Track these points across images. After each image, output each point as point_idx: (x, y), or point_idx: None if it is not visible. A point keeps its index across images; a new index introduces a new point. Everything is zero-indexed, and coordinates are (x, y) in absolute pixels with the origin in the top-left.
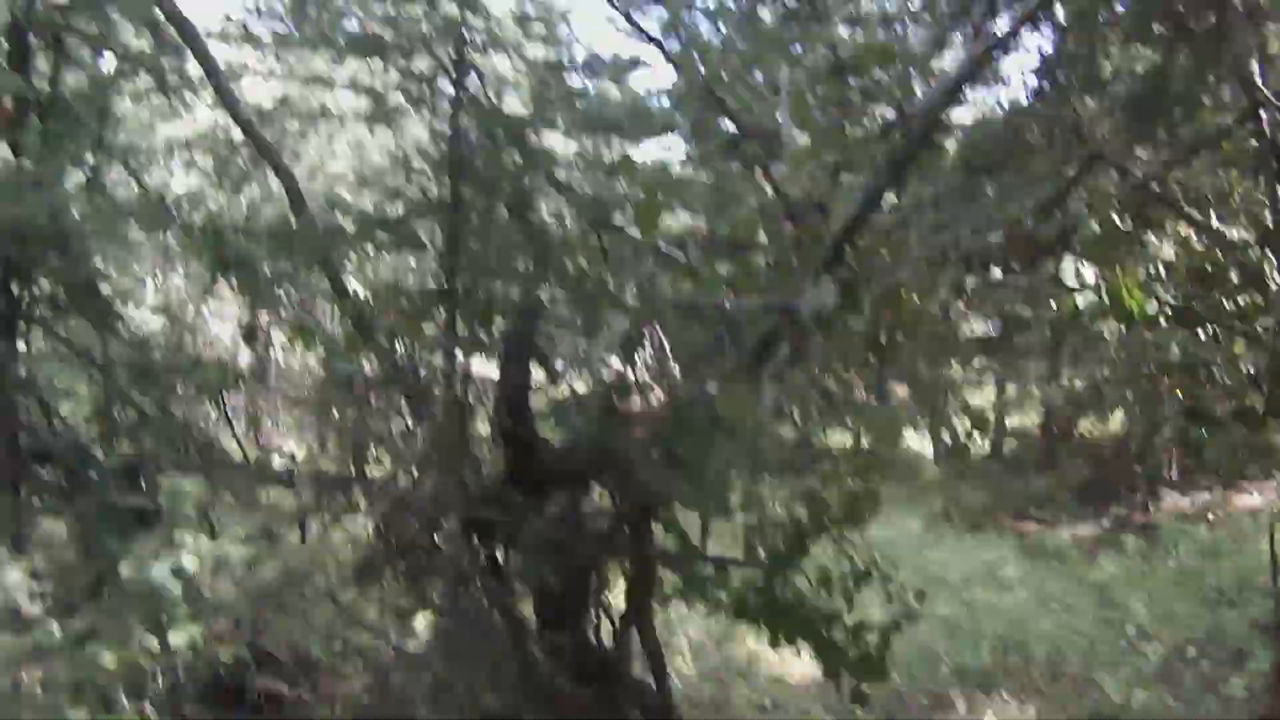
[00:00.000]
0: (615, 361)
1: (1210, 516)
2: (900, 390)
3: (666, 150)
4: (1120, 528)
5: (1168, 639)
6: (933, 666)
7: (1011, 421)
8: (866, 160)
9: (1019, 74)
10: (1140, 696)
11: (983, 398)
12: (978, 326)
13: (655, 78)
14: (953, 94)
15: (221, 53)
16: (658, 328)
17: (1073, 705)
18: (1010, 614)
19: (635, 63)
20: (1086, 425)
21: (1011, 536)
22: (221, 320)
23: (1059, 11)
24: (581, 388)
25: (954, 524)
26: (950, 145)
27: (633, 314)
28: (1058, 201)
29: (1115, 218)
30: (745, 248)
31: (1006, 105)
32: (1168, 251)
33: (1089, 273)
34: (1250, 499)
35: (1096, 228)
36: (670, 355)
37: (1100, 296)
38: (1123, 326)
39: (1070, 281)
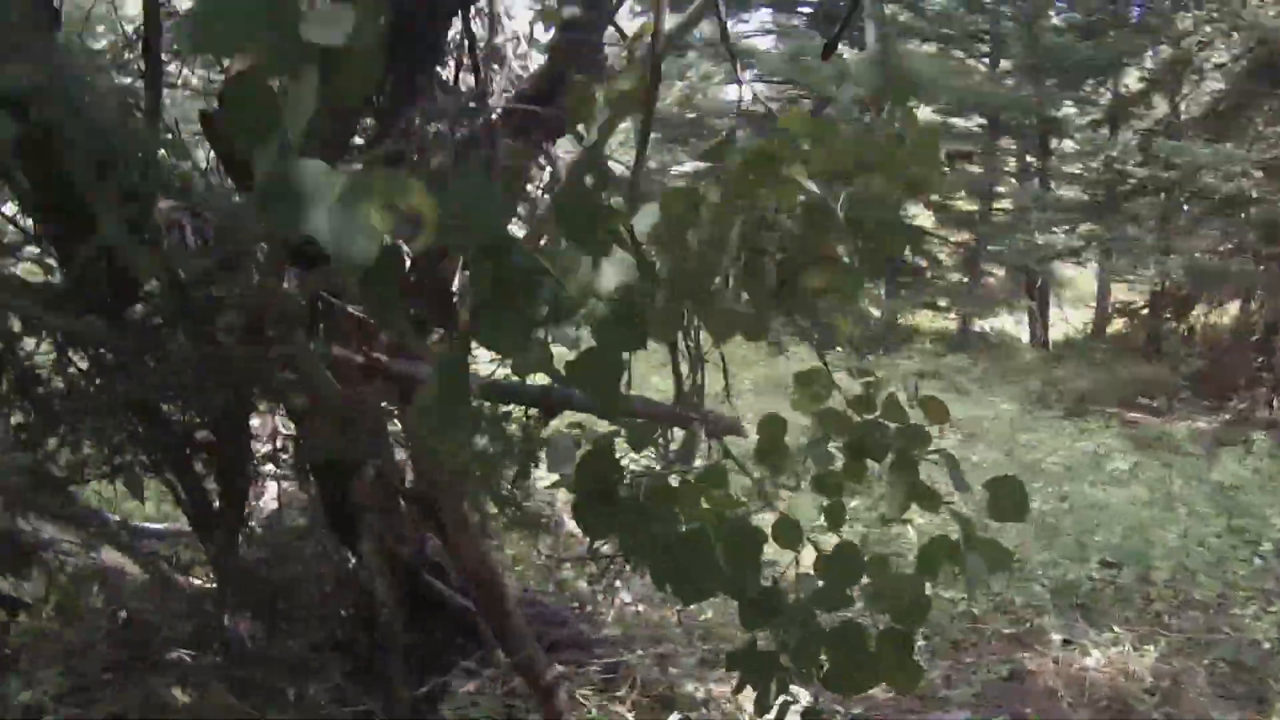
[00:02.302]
0: None
1: None
2: None
3: None
4: (1242, 424)
5: None
6: (1023, 583)
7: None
8: None
9: None
10: None
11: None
12: None
13: None
14: None
15: None
16: None
17: (1204, 647)
18: (1123, 517)
19: None
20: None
21: (1117, 425)
22: None
23: None
24: None
25: (1052, 408)
26: None
27: None
28: None
29: None
30: None
31: None
32: None
33: None
34: None
35: None
36: None
37: None
38: None
39: None
